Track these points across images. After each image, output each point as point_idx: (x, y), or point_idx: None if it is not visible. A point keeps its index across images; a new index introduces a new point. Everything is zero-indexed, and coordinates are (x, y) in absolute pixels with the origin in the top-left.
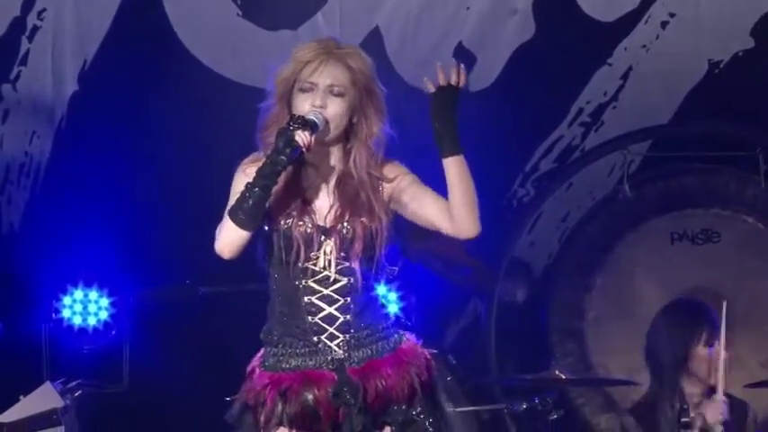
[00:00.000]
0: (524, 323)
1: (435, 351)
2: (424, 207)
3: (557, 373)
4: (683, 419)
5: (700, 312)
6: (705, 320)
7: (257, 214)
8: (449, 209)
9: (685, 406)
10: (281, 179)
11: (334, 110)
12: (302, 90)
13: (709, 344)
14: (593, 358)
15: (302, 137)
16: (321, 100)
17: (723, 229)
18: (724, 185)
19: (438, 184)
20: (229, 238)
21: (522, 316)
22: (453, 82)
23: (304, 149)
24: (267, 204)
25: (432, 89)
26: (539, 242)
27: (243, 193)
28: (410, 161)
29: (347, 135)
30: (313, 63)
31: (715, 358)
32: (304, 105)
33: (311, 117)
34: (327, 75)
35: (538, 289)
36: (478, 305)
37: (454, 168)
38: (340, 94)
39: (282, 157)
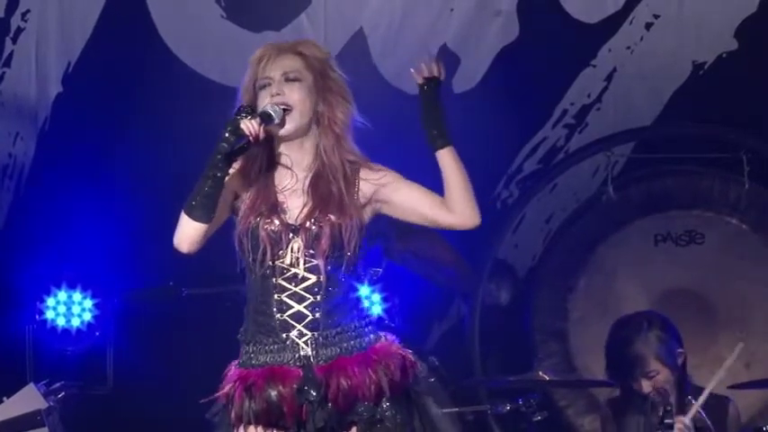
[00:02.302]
0: (508, 324)
1: (410, 351)
2: (418, 203)
3: (540, 374)
4: (667, 421)
5: (619, 352)
6: (622, 363)
7: (209, 205)
8: (444, 202)
9: (669, 407)
10: (237, 174)
11: (295, 95)
12: (261, 87)
13: (632, 380)
14: (576, 359)
15: (248, 125)
16: (277, 88)
17: (707, 230)
18: (708, 187)
19: (423, 182)
20: (185, 231)
21: (506, 317)
22: (435, 73)
23: (251, 138)
24: (239, 203)
25: (419, 80)
26: (522, 244)
27: (196, 186)
28: (394, 160)
29: (316, 126)
30: (264, 59)
31: (640, 391)
32: (264, 100)
33: (267, 110)
34: (279, 65)
35: (522, 290)
36: (462, 307)
37: (449, 159)
38: (296, 79)
39: (224, 144)
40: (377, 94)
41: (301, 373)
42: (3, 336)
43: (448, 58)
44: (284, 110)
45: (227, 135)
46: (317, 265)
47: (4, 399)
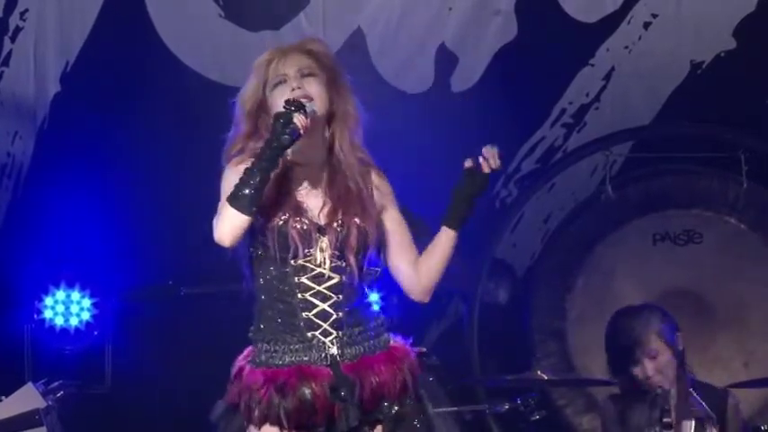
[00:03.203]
0: (506, 323)
1: (424, 349)
2: (395, 242)
3: (539, 373)
4: (665, 420)
5: (620, 334)
6: (623, 345)
7: (257, 198)
8: (415, 262)
9: (666, 407)
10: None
11: (314, 88)
12: (275, 85)
13: (633, 364)
14: (575, 358)
15: (299, 119)
16: (297, 82)
17: (705, 229)
18: (706, 186)
19: (411, 185)
20: (230, 224)
21: (505, 316)
22: (495, 167)
23: (302, 131)
24: (260, 202)
25: (469, 165)
26: (521, 243)
27: (242, 179)
28: (391, 159)
29: (329, 123)
30: (274, 59)
31: (640, 376)
32: (281, 98)
33: (301, 102)
34: (292, 63)
35: (520, 289)
36: (461, 306)
37: (448, 241)
38: (312, 74)
39: (285, 136)
40: (375, 93)
41: (331, 372)
42: (1, 335)
43: (446, 57)
44: (310, 102)
45: (281, 129)
46: (341, 265)
47: (3, 398)
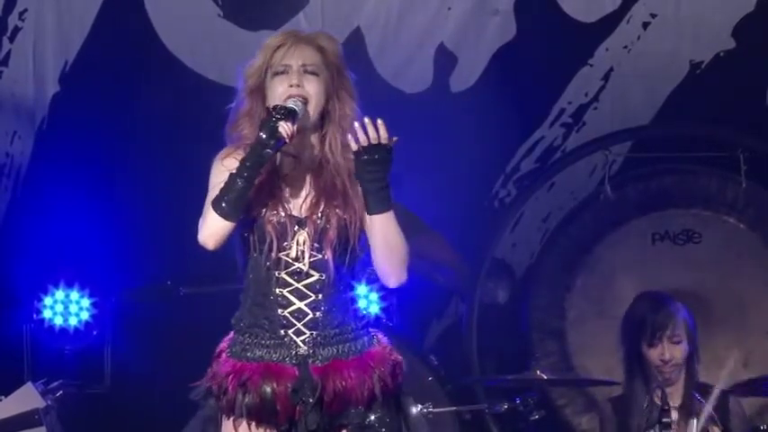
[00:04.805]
0: (506, 323)
1: (400, 359)
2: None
3: (538, 373)
4: (664, 420)
5: (649, 310)
6: (648, 321)
7: (240, 205)
8: None
9: (666, 407)
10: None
11: (312, 88)
12: (276, 73)
13: (650, 344)
14: (574, 358)
15: (285, 128)
16: (297, 79)
17: (704, 229)
18: (705, 186)
19: (410, 184)
20: (213, 228)
21: (504, 316)
22: (373, 140)
23: (287, 140)
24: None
25: (354, 147)
26: (520, 243)
27: (226, 184)
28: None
29: (322, 122)
30: (284, 46)
31: (655, 359)
32: (279, 87)
33: (291, 105)
34: (299, 55)
35: (519, 289)
36: (460, 305)
37: (379, 226)
38: (314, 73)
39: (268, 150)
40: (374, 93)
41: (297, 373)
42: (0, 335)
43: (445, 57)
44: (303, 103)
45: (266, 139)
46: (321, 260)
47: (2, 398)
